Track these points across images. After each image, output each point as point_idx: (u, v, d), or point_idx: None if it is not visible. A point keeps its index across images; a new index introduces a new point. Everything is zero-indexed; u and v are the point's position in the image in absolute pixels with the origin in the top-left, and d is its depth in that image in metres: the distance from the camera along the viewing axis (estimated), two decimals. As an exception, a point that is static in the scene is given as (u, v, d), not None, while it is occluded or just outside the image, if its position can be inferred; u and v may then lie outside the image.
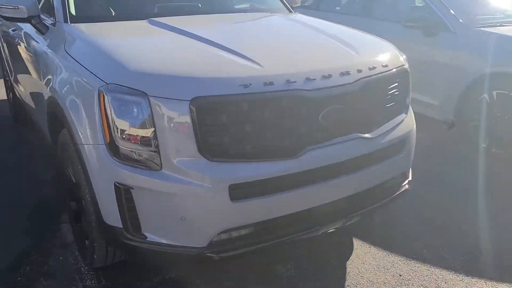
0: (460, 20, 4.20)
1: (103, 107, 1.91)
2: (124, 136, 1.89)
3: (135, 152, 1.90)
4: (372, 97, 2.26)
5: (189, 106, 1.82)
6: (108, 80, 1.94)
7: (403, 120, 2.46)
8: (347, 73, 2.15)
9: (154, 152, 1.88)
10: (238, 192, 1.92)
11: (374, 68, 2.27)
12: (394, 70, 2.38)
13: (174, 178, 1.88)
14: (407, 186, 2.61)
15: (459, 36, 4.13)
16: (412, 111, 2.64)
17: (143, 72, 1.92)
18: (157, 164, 1.88)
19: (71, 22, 2.66)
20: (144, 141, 1.88)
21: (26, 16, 2.72)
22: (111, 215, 1.99)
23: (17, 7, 2.70)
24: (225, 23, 2.97)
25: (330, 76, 2.09)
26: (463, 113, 4.14)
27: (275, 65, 2.09)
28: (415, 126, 2.60)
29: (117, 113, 1.88)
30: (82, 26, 2.60)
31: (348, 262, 2.58)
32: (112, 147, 1.92)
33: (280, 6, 3.55)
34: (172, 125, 1.85)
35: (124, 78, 1.92)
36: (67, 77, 2.29)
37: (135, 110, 1.87)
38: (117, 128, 1.89)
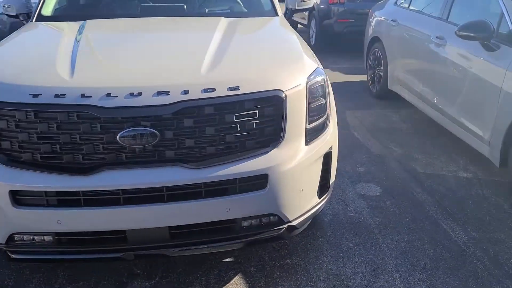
0: (530, 31, 3.13)
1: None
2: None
3: None
4: (203, 123, 1.97)
5: None
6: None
7: (266, 153, 2.07)
8: (166, 93, 1.93)
9: None
10: (22, 199, 1.96)
11: (211, 90, 1.97)
12: (251, 95, 2.01)
13: (-22, 174, 2.03)
14: (283, 230, 2.21)
15: (521, 52, 3.09)
16: (293, 144, 2.15)
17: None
18: None
19: (35, 21, 3.01)
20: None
21: (15, 13, 3.20)
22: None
23: (9, 6, 3.20)
24: (147, 28, 2.91)
25: (139, 94, 1.92)
26: (509, 154, 3.12)
27: (88, 78, 2.01)
28: (296, 162, 2.14)
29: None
30: (33, 25, 2.92)
31: (203, 299, 2.33)
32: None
33: (268, 9, 3.26)
34: (-25, 125, 1.99)
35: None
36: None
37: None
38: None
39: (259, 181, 2.07)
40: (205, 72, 2.07)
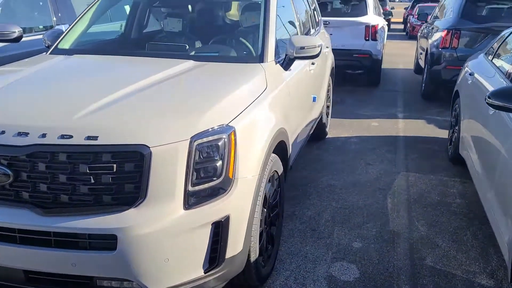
0: None
1: None
2: None
3: None
4: (56, 169, 1.90)
5: None
6: None
7: (119, 212, 1.89)
8: (25, 134, 1.93)
9: None
10: None
11: (68, 137, 1.89)
12: (109, 147, 1.88)
13: None
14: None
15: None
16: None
17: None
18: None
19: (49, 53, 3.31)
20: None
21: (47, 45, 3.57)
22: None
23: (45, 38, 3.59)
24: (102, 67, 2.94)
25: (3, 132, 1.95)
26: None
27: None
28: (161, 226, 1.91)
29: None
30: (38, 56, 3.22)
31: None
32: None
33: (257, 55, 3.02)
34: None
35: None
36: None
37: None
38: None
39: (108, 241, 1.90)
40: (77, 117, 2.00)
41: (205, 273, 2.08)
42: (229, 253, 2.14)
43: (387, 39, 13.56)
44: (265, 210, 2.56)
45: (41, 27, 4.95)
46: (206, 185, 2.02)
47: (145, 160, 1.89)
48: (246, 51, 3.17)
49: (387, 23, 11.45)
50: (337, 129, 5.95)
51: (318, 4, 8.79)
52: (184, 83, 2.52)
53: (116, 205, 1.91)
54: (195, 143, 1.98)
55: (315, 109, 4.28)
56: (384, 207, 3.71)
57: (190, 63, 2.79)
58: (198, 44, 3.28)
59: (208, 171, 2.03)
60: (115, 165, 1.88)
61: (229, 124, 2.12)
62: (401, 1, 46.05)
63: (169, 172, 1.93)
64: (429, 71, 7.25)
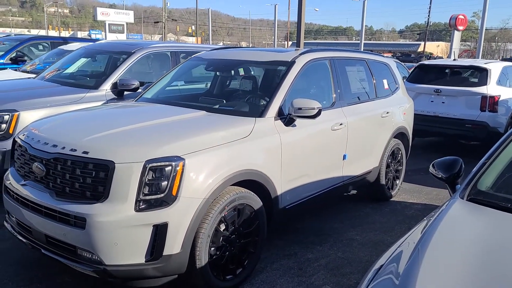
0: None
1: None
2: None
3: None
4: (64, 170, 2.96)
5: None
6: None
7: (92, 204, 2.83)
8: (55, 146, 3.03)
9: None
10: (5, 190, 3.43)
11: (73, 150, 2.93)
12: (91, 159, 2.88)
13: None
14: (100, 270, 2.83)
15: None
16: None
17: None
18: None
19: (134, 101, 4.59)
20: None
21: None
22: None
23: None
24: (146, 111, 3.97)
25: (46, 143, 3.09)
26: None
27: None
28: (113, 219, 2.76)
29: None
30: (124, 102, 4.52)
31: None
32: None
33: (259, 110, 3.72)
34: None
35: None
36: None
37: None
38: None
39: (81, 221, 2.81)
40: (86, 139, 3.00)
41: (146, 262, 2.82)
42: (167, 251, 2.85)
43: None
44: (226, 232, 3.18)
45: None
46: (153, 197, 2.81)
47: (110, 171, 2.79)
48: (251, 108, 3.90)
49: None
50: (410, 194, 5.97)
51: (436, 71, 8.79)
52: (177, 124, 3.39)
53: (91, 199, 2.84)
54: (149, 165, 2.81)
55: (350, 167, 4.62)
56: None
57: (201, 113, 3.67)
58: (222, 101, 4.14)
59: (156, 187, 2.82)
60: (94, 172, 2.84)
61: (181, 156, 2.90)
62: None
63: (126, 182, 2.79)
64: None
